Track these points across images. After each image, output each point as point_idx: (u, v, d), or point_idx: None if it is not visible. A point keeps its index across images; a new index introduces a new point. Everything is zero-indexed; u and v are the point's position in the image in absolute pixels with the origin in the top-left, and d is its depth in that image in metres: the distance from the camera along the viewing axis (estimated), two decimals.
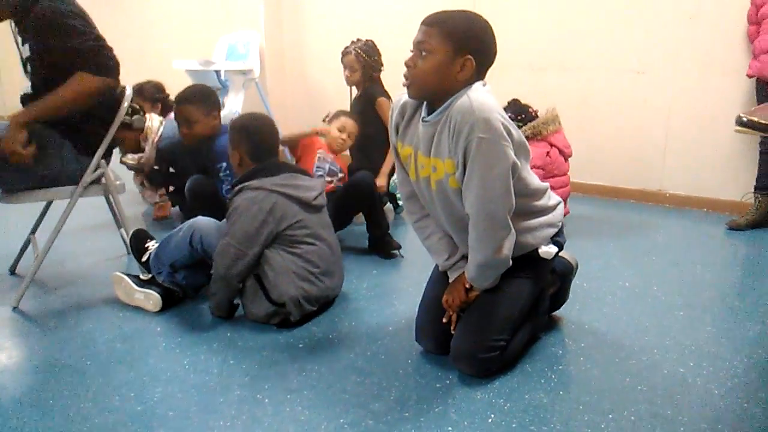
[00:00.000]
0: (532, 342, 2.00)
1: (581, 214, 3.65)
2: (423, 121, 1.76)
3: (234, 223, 2.12)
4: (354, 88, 3.62)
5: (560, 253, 2.14)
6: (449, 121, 1.65)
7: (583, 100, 3.99)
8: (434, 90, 1.69)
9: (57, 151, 2.30)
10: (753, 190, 3.35)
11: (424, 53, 1.65)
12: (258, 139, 2.28)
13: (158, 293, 2.29)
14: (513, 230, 1.73)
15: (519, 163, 1.69)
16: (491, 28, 1.70)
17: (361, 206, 2.91)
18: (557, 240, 1.92)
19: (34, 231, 2.69)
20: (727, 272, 2.76)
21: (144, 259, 2.41)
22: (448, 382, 1.80)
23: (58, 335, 2.13)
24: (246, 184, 2.18)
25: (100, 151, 2.36)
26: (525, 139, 1.76)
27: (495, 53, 1.72)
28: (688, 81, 3.61)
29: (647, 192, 3.89)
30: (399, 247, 2.87)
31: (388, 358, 1.95)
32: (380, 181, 3.22)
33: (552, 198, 1.93)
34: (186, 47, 5.58)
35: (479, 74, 1.70)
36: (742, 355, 1.94)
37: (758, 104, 3.16)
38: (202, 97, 2.79)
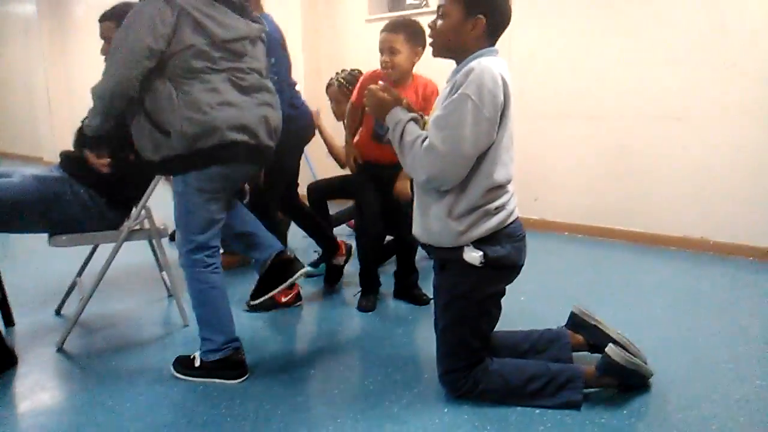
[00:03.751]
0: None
1: (621, 262, 3.58)
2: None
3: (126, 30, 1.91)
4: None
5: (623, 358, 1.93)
6: (455, 81, 1.76)
7: (620, 148, 3.97)
8: (451, 48, 1.84)
9: (75, 199, 2.34)
10: None
11: (441, 15, 1.83)
12: None
13: (231, 376, 2.12)
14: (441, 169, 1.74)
15: (486, 140, 1.73)
16: None
17: (399, 253, 2.95)
18: (486, 249, 1.81)
19: (80, 273, 2.78)
20: None
21: (197, 363, 2.14)
22: None
23: (100, 376, 2.17)
24: None
25: (143, 202, 2.41)
26: (510, 124, 1.78)
27: (507, 15, 1.84)
28: (730, 128, 3.56)
29: (690, 240, 3.80)
30: (428, 302, 2.84)
31: (424, 407, 1.92)
32: (402, 185, 2.77)
33: (501, 201, 1.83)
34: None
35: (491, 35, 1.82)
36: None
37: None
38: None
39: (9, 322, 2.64)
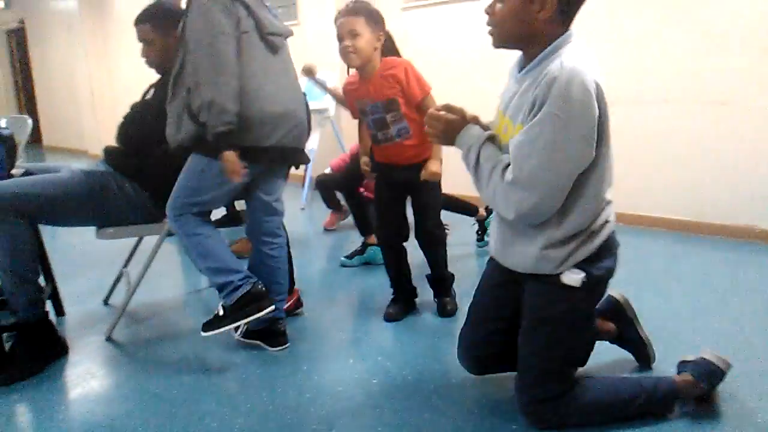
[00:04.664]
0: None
1: (664, 251, 3.51)
2: (513, 76, 1.63)
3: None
4: None
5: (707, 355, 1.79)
6: (536, 88, 1.46)
7: (661, 133, 3.87)
8: (516, 35, 1.52)
9: (120, 192, 2.37)
10: None
11: None
12: None
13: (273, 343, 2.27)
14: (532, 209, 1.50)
15: (583, 161, 1.48)
16: None
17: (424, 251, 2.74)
18: (588, 268, 1.58)
19: (126, 264, 2.86)
20: None
21: (221, 312, 2.18)
22: (524, 423, 1.76)
23: (146, 365, 2.24)
24: None
25: None
26: (607, 123, 1.49)
27: None
28: None
29: (736, 227, 3.69)
30: (451, 314, 2.60)
31: (464, 395, 1.94)
32: (434, 167, 2.45)
33: (606, 215, 1.59)
34: None
35: (565, 15, 1.48)
36: None
37: None
38: None
39: (60, 312, 2.75)
